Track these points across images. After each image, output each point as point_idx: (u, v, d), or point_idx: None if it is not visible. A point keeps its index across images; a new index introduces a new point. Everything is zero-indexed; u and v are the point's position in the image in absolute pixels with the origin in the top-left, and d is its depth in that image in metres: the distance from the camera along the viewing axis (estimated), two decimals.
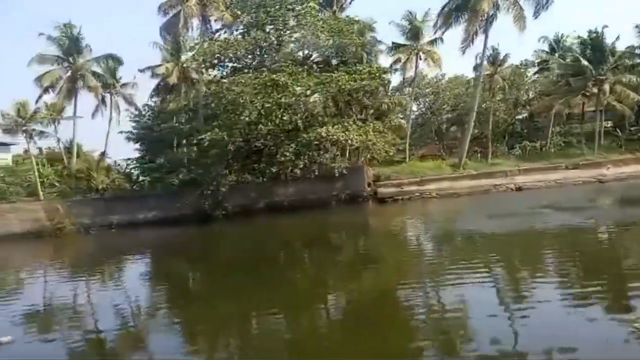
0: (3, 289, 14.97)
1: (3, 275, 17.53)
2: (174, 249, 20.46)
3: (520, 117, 45.31)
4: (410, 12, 39.17)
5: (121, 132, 44.80)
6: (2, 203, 27.14)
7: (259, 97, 23.61)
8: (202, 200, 26.58)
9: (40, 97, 35.18)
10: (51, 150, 42.83)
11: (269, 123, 23.69)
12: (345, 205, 28.70)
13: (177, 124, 32.48)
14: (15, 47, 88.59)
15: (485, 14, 26.80)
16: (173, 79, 34.88)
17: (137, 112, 45.85)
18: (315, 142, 24.02)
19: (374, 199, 29.10)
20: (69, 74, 34.63)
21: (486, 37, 28.61)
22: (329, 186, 29.50)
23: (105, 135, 38.39)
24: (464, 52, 31.59)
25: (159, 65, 35.55)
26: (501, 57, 41.53)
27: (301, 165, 24.45)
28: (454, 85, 44.07)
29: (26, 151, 47.94)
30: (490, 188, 28.09)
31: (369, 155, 25.81)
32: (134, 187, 34.62)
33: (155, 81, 38.31)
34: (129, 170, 43.47)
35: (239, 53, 24.71)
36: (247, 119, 23.08)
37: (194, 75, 36.67)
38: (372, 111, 27.74)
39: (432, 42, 39.88)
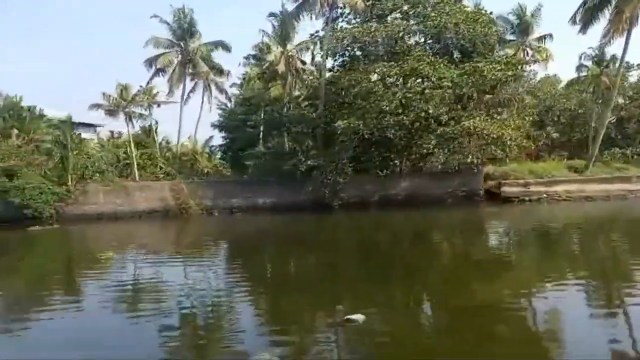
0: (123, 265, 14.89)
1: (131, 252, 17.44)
2: (295, 236, 20.05)
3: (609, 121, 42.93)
4: (521, 7, 37.68)
5: (216, 125, 45.69)
6: (129, 181, 27.71)
7: (398, 87, 22.93)
8: (321, 189, 26.21)
9: (151, 79, 35.87)
10: (134, 133, 43.68)
11: (410, 114, 22.96)
12: (461, 203, 27.71)
13: (278, 113, 32.34)
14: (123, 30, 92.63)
15: (630, 16, 25.05)
16: (280, 67, 34.84)
17: (229, 100, 46.64)
18: (454, 135, 23.07)
19: (492, 198, 27.90)
20: (179, 57, 35.09)
21: (627, 39, 26.78)
22: (444, 182, 28.63)
23: (196, 122, 38.87)
24: (601, 52, 29.98)
25: (267, 53, 35.62)
26: (608, 58, 39.32)
27: (442, 159, 23.59)
28: (548, 84, 42.21)
29: (112, 133, 49.42)
30: (625, 193, 26.38)
31: (499, 151, 24.62)
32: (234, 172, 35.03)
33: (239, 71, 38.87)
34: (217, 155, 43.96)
35: (378, 40, 24.07)
36: (387, 108, 22.42)
37: (299, 64, 36.74)
38: (497, 105, 26.47)
39: (541, 38, 38.21)
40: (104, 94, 40.51)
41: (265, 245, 18.24)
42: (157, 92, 41.60)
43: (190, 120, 71.46)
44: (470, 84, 22.69)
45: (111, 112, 41.29)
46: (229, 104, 47.73)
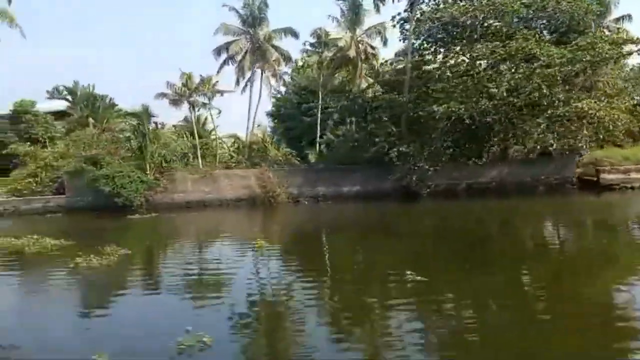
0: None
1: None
2: (385, 225, 19.19)
3: None
4: None
5: (271, 114, 45.23)
6: (217, 168, 27.48)
7: (504, 68, 21.91)
8: (409, 176, 25.44)
9: (221, 67, 35.54)
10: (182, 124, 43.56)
11: (521, 95, 21.90)
12: (554, 191, 26.55)
13: (362, 99, 31.52)
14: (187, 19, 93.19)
15: None
16: (351, 52, 34.09)
17: (284, 88, 46.16)
18: (566, 118, 21.92)
19: (586, 186, 26.65)
20: (249, 45, 34.63)
21: None
22: (535, 169, 27.53)
23: (254, 111, 38.31)
24: None
25: (337, 38, 34.87)
26: None
27: (552, 144, 22.52)
28: None
29: (156, 124, 49.42)
30: None
31: (604, 134, 23.35)
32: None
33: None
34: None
35: (478, 18, 23.03)
36: (495, 90, 21.41)
37: (369, 49, 35.90)
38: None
39: (619, 19, 36.37)
40: (168, 83, 40.66)
41: (356, 233, 17.30)
42: (217, 82, 41.64)
43: (242, 109, 71.25)
44: (583, 60, 21.41)
45: (175, 102, 41.40)
46: (282, 92, 47.42)
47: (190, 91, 40.68)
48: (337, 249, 14.39)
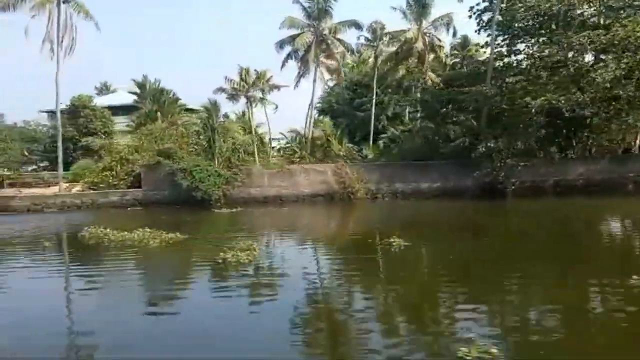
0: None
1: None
2: (475, 226, 17.86)
3: None
4: None
5: (321, 109, 44.57)
6: (288, 164, 27.00)
7: (608, 59, 20.68)
8: (494, 173, 24.41)
9: (285, 61, 35.04)
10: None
11: (627, 86, 20.65)
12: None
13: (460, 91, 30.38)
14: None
15: None
16: (419, 45, 33.13)
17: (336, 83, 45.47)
18: None
19: None
20: (314, 38, 34.01)
21: None
22: (625, 167, 26.10)
23: (308, 106, 37.64)
24: None
25: (402, 31, 33.97)
26: None
27: None
28: None
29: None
30: None
31: None
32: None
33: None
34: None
35: (568, 6, 21.84)
36: (600, 80, 20.19)
37: (436, 42, 34.88)
38: None
39: None
40: (226, 77, 40.50)
41: (452, 233, 15.98)
42: (271, 76, 41.27)
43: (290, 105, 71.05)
44: None
45: (233, 97, 41.25)
46: (332, 87, 46.80)
47: (248, 86, 40.52)
48: (443, 250, 12.91)
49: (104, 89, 62.50)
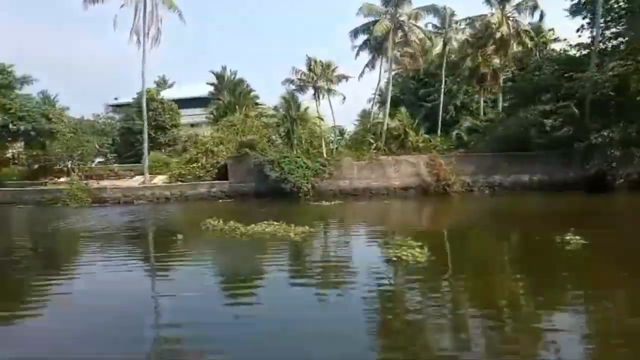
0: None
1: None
2: (625, 220, 16.10)
3: None
4: None
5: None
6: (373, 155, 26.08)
7: None
8: (604, 164, 22.59)
9: (359, 50, 34.03)
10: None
11: None
12: None
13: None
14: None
15: None
16: (503, 29, 31.34)
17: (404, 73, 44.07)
18: None
19: None
20: (391, 26, 32.79)
21: None
22: None
23: (374, 95, 36.37)
24: None
25: (482, 16, 32.26)
26: None
27: None
28: None
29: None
30: None
31: None
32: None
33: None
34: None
35: None
36: None
37: (521, 26, 32.95)
38: None
39: None
40: (293, 68, 39.88)
41: (608, 229, 13.96)
42: (336, 67, 40.34)
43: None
44: None
45: (301, 88, 40.63)
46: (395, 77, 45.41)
47: (317, 76, 39.72)
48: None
49: (162, 83, 63.42)
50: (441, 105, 37.05)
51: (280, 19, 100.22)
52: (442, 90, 37.01)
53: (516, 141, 26.06)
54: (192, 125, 45.75)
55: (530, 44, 33.73)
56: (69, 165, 36.68)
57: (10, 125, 29.54)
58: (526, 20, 33.18)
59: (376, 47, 33.80)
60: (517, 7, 32.51)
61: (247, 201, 24.10)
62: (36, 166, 37.29)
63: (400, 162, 25.05)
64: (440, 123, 36.21)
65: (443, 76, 36.40)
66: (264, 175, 24.99)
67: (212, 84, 35.71)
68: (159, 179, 30.18)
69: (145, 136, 28.23)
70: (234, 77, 34.63)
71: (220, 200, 24.47)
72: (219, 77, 33.53)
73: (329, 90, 39.03)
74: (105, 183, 29.65)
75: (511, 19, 32.51)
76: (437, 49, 39.12)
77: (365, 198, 24.31)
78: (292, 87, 40.81)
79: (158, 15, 26.59)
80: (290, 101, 29.93)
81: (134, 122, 43.44)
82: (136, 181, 29.21)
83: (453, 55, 37.14)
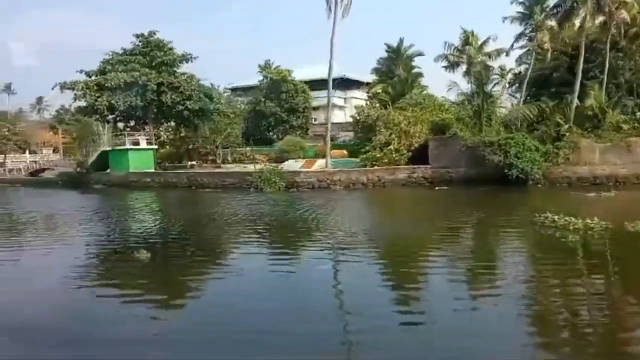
0: None
1: None
2: None
3: None
4: None
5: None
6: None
7: None
8: None
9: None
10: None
11: None
12: None
13: None
14: None
15: None
16: None
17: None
18: None
19: None
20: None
21: None
22: None
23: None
24: None
25: None
26: None
27: None
28: None
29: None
30: None
31: None
32: None
33: None
34: None
35: None
36: None
37: None
38: None
39: None
40: (446, 43, 36.20)
41: None
42: (486, 40, 36.12)
43: None
44: None
45: (452, 66, 36.90)
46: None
47: (475, 50, 35.83)
48: None
49: (267, 67, 61.63)
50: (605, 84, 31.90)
51: None
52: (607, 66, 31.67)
53: None
54: (316, 108, 43.31)
55: None
56: (215, 149, 35.30)
57: (179, 106, 27.97)
58: None
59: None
60: None
61: (466, 188, 20.85)
62: (183, 148, 36.26)
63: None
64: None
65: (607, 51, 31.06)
66: (478, 160, 21.68)
67: (385, 58, 32.43)
68: (319, 164, 27.88)
69: (329, 115, 25.56)
70: (405, 50, 31.31)
71: (437, 188, 21.39)
72: (395, 50, 30.44)
73: (486, 67, 35.15)
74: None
75: None
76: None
77: (612, 187, 20.27)
78: (445, 63, 37.24)
79: None
80: (482, 76, 26.35)
81: (265, 104, 41.61)
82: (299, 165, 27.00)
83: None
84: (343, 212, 16.08)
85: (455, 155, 22.66)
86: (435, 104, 26.18)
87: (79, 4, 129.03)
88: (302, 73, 45.11)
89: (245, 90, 47.18)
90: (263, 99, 41.94)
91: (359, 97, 48.75)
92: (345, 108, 49.21)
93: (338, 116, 45.00)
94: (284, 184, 22.85)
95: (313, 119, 44.02)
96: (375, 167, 23.42)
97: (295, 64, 58.06)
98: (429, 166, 23.11)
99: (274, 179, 22.81)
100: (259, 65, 61.65)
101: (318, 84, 43.55)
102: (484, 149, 21.53)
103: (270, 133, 41.68)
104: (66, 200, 22.96)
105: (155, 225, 14.80)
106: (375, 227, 13.34)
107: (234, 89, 49.97)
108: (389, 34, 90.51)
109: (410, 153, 24.03)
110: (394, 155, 23.63)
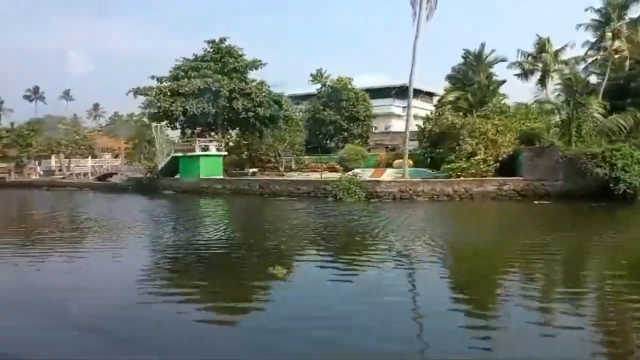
0: None
1: None
2: None
3: None
4: None
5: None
6: None
7: None
8: None
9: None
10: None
11: None
12: None
13: None
14: None
15: None
16: None
17: None
18: None
19: None
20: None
21: None
22: None
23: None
24: None
25: None
26: None
27: None
28: None
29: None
30: None
31: None
32: None
33: None
34: None
35: None
36: None
37: None
38: None
39: None
40: (519, 51, 34.53)
41: None
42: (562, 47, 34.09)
43: None
44: None
45: (525, 74, 35.16)
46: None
47: (552, 58, 33.98)
48: None
49: (319, 76, 61.28)
50: None
51: None
52: None
53: None
54: (374, 117, 42.33)
55: None
56: (278, 156, 34.84)
57: (250, 113, 27.63)
58: None
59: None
60: None
61: (569, 203, 19.17)
62: (245, 155, 36.04)
63: None
64: None
65: None
66: (577, 172, 20.01)
67: (460, 64, 31.03)
68: (388, 174, 26.78)
69: (408, 122, 24.38)
70: (485, 57, 29.91)
71: (536, 202, 19.83)
72: (476, 56, 29.17)
73: (562, 75, 33.02)
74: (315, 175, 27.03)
75: None
76: None
77: None
78: (518, 71, 35.49)
79: None
80: (575, 82, 24.59)
81: (325, 112, 40.98)
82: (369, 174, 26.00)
83: None
84: (449, 229, 14.88)
85: (551, 167, 21.04)
86: (522, 112, 24.61)
87: (131, 13, 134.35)
88: (355, 82, 44.32)
89: (300, 98, 46.78)
90: (322, 107, 41.34)
91: (418, 106, 47.44)
92: (403, 117, 47.95)
93: (399, 125, 43.81)
94: (363, 194, 21.88)
95: (374, 128, 43.05)
96: (461, 179, 22.08)
97: (344, 73, 57.40)
98: (520, 178, 21.58)
99: (353, 189, 21.88)
100: (311, 74, 61.33)
101: (373, 93, 42.68)
102: (585, 161, 19.85)
103: (329, 141, 41.01)
104: (140, 205, 22.88)
105: (250, 234, 14.12)
106: (487, 249, 12.05)
107: (291, 97, 49.70)
108: (450, 42, 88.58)
109: (497, 164, 22.61)
110: (481, 166, 22.23)
